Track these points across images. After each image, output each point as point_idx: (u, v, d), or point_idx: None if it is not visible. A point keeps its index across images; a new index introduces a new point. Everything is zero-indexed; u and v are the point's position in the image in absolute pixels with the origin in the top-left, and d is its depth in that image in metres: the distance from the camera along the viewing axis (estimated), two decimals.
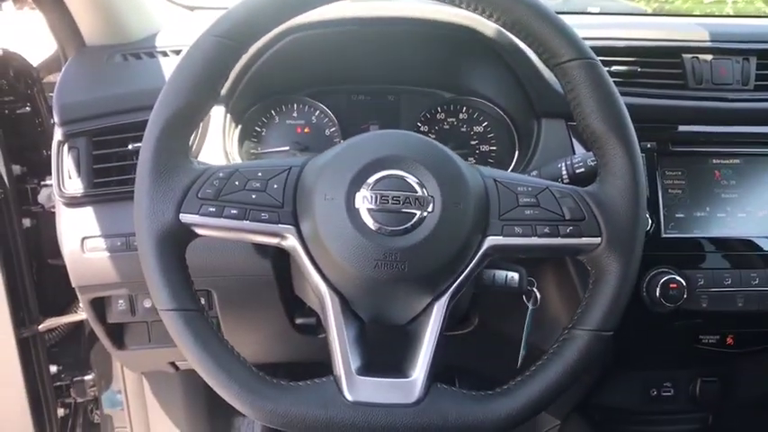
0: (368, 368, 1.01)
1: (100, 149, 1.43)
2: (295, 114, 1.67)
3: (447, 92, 1.68)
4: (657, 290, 1.57)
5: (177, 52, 1.53)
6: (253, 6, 1.02)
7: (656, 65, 1.57)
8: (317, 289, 1.01)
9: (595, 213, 1.08)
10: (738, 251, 1.64)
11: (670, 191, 1.64)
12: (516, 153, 1.65)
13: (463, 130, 1.69)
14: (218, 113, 1.48)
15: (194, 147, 1.47)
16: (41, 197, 1.74)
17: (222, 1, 1.81)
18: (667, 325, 1.65)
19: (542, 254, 1.21)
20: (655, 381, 1.93)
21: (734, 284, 1.62)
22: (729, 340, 1.68)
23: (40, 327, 1.75)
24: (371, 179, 0.99)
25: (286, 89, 1.64)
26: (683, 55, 1.57)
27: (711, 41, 1.61)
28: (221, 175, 1.01)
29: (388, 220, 0.98)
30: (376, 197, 0.98)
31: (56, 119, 1.42)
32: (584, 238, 1.08)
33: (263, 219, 0.99)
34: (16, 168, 1.67)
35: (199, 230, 1.01)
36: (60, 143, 1.43)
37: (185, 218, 0.99)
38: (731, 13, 2.51)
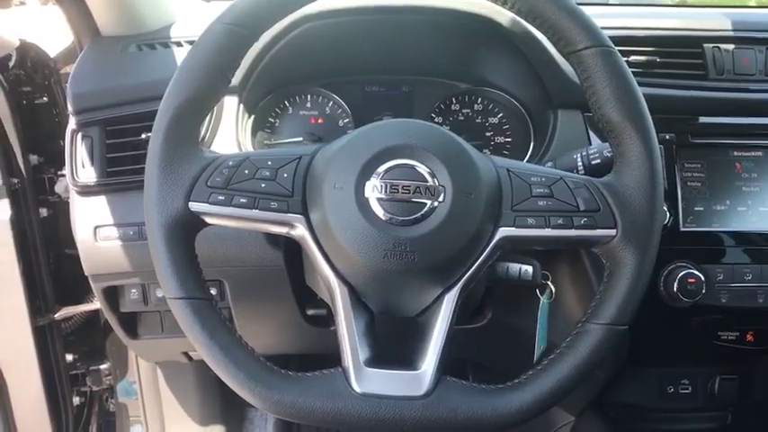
0: (377, 360, 1.00)
1: (113, 139, 1.43)
2: (309, 105, 1.66)
3: (462, 82, 1.65)
4: (675, 284, 1.53)
5: (191, 42, 1.52)
6: None
7: (677, 55, 1.53)
8: (327, 279, 1.01)
9: (611, 204, 1.05)
10: (760, 246, 1.60)
11: (689, 183, 1.60)
12: (531, 144, 1.62)
13: (478, 121, 1.66)
14: (231, 104, 1.48)
15: (207, 137, 1.47)
16: (58, 187, 1.74)
17: None
18: (685, 321, 1.61)
19: (556, 246, 1.18)
20: (672, 378, 1.89)
21: (755, 280, 1.58)
22: (749, 337, 1.64)
23: (56, 315, 1.77)
24: (381, 168, 0.98)
25: (300, 79, 1.63)
26: (704, 45, 1.54)
27: (733, 31, 1.57)
28: (231, 163, 1.00)
29: (397, 210, 0.97)
30: (386, 186, 0.96)
31: (69, 108, 1.43)
32: (598, 230, 1.06)
33: (273, 208, 0.99)
34: (33, 158, 1.69)
35: (208, 219, 1.00)
36: (74, 132, 1.44)
37: (194, 206, 0.98)
38: (753, 4, 2.46)
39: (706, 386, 1.90)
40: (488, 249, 1.02)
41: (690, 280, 1.53)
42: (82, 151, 1.41)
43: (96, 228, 1.43)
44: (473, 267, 1.02)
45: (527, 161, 1.56)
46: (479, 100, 1.67)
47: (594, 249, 1.12)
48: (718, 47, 1.59)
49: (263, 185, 0.99)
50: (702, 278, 1.53)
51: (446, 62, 1.67)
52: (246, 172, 0.99)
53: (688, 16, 1.67)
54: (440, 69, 1.67)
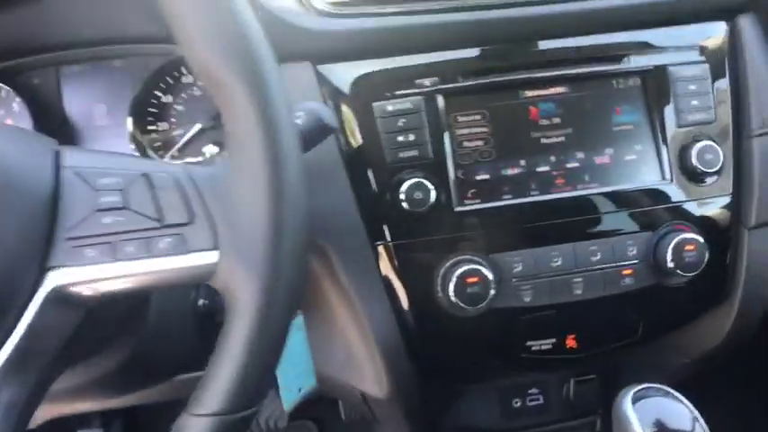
0: None
1: None
2: None
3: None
4: (451, 287, 1.10)
5: None
6: None
7: None
8: None
9: (210, 210, 0.69)
10: (570, 217, 1.17)
11: (465, 144, 1.16)
12: None
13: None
14: None
15: None
16: None
17: None
18: (479, 333, 1.19)
19: (144, 288, 0.74)
20: (516, 390, 1.48)
21: (566, 265, 1.16)
22: (571, 342, 1.22)
23: None
24: None
25: None
26: None
27: None
28: None
29: None
30: None
31: None
32: (192, 255, 0.71)
33: None
34: None
35: None
36: None
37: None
38: None
39: (560, 393, 1.48)
40: (32, 315, 0.69)
41: (470, 279, 1.10)
42: None
43: None
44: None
45: None
46: None
47: (213, 285, 0.70)
48: None
49: None
50: (489, 274, 1.11)
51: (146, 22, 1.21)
52: None
53: None
54: (154, 33, 1.28)
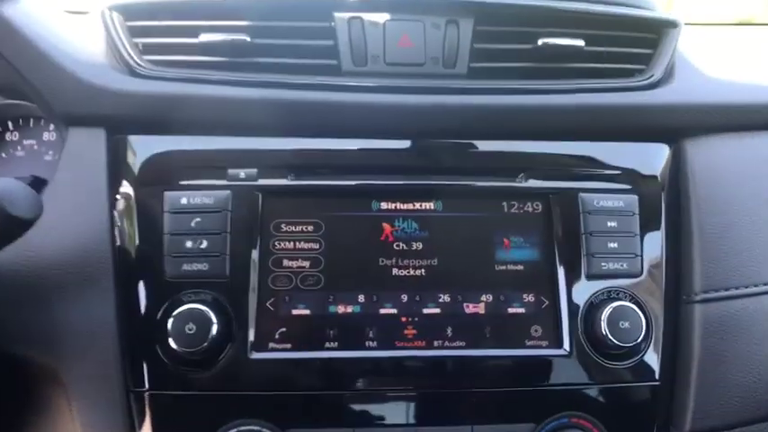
0: None
1: None
2: None
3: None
4: None
5: None
6: None
7: (279, 32, 0.92)
8: None
9: None
10: (417, 387, 0.84)
11: (285, 263, 0.86)
12: None
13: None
14: None
15: None
16: None
17: None
18: None
19: None
20: None
21: None
22: None
23: None
24: None
25: None
26: (336, 14, 0.91)
27: None
28: None
29: None
30: None
31: None
32: None
33: None
34: None
35: None
36: None
37: None
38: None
39: None
40: None
41: None
42: None
43: None
44: None
45: None
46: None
47: None
48: (359, 18, 0.87)
49: None
50: None
51: None
52: None
53: None
54: None
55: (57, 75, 0.88)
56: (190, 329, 0.78)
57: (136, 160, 0.88)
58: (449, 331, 0.85)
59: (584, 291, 0.86)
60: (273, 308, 0.83)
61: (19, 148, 1.12)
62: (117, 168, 0.88)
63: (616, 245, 0.88)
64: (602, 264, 0.87)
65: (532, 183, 0.90)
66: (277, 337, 0.83)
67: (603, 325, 0.83)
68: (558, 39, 0.92)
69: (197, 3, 0.91)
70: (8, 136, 1.11)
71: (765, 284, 0.91)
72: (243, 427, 0.80)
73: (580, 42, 0.93)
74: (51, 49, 0.87)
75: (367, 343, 0.84)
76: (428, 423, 0.83)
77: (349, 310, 0.84)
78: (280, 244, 0.86)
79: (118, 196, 0.86)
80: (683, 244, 0.92)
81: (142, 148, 0.89)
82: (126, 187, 0.87)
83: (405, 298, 0.86)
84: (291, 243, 0.86)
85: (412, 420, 0.83)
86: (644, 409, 0.86)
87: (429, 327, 0.85)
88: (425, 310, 0.85)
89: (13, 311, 0.82)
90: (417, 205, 0.89)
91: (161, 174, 0.87)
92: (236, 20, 0.89)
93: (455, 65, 0.92)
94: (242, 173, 0.86)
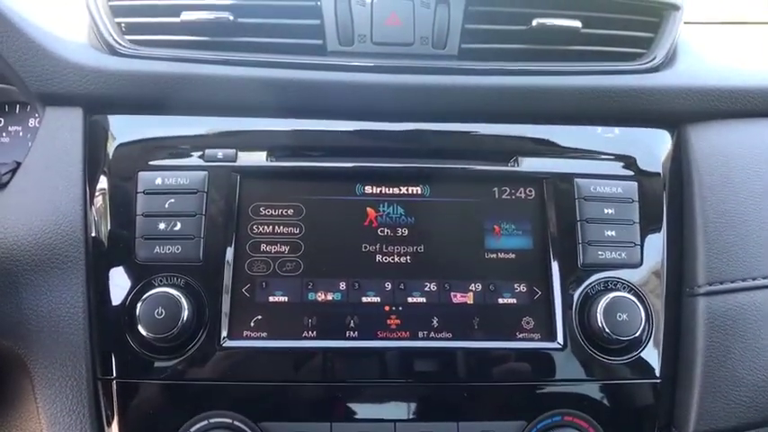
0: None
1: None
2: None
3: None
4: None
5: None
6: None
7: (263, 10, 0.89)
8: None
9: None
10: (399, 379, 0.80)
11: (263, 248, 0.83)
12: None
13: None
14: None
15: None
16: None
17: None
18: None
19: None
20: None
21: None
22: None
23: None
24: None
25: None
26: None
27: None
28: None
29: None
30: None
31: None
32: None
33: None
34: None
35: None
36: None
37: None
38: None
39: None
40: None
41: None
42: None
43: None
44: None
45: None
46: None
47: None
48: None
49: None
50: None
51: None
52: None
53: None
54: None
55: (32, 51, 0.86)
56: (159, 314, 0.74)
57: (113, 140, 0.85)
58: (435, 322, 0.80)
59: (579, 281, 0.81)
60: (249, 294, 0.79)
61: (3, 134, 1.09)
62: (93, 148, 0.85)
63: (614, 233, 0.83)
64: (599, 253, 0.82)
65: (525, 167, 0.86)
66: (252, 324, 0.78)
67: (600, 317, 0.78)
68: (554, 20, 0.89)
69: None
70: None
71: None
72: (214, 419, 0.75)
73: (577, 24, 0.89)
74: (27, 26, 0.85)
75: (348, 333, 0.79)
76: (410, 419, 0.77)
77: (329, 297, 0.80)
78: (258, 228, 0.82)
79: (92, 177, 0.83)
80: (685, 233, 0.87)
81: (119, 128, 0.86)
82: (101, 168, 0.84)
83: (388, 286, 0.81)
84: (270, 227, 0.82)
85: (393, 416, 0.78)
86: (644, 409, 0.80)
87: (414, 317, 0.80)
88: (410, 299, 0.81)
89: None
90: (403, 189, 0.85)
91: (138, 154, 0.84)
92: None
93: (445, 45, 0.88)
94: (219, 153, 0.83)
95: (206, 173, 0.82)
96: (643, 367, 0.80)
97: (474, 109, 0.87)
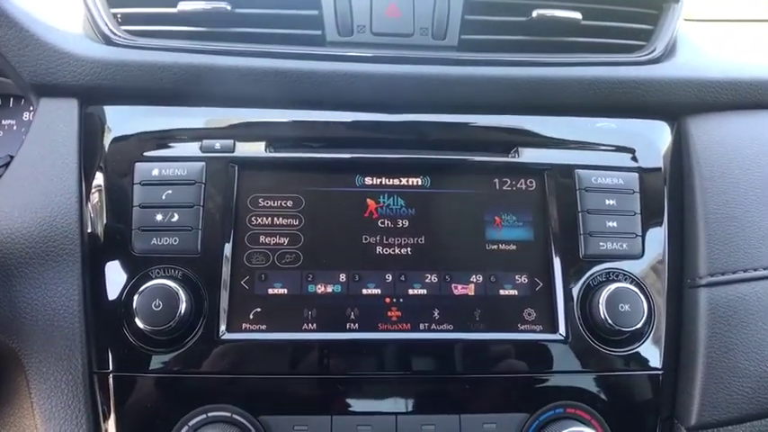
0: None
1: None
2: None
3: None
4: None
5: None
6: None
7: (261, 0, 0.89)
8: None
9: None
10: (399, 371, 0.79)
11: (262, 239, 0.82)
12: None
13: None
14: None
15: None
16: None
17: None
18: None
19: None
20: None
21: None
22: None
23: None
24: None
25: None
26: None
27: None
28: None
29: None
30: None
31: None
32: None
33: None
34: None
35: None
36: None
37: None
38: None
39: None
40: None
41: None
42: None
43: None
44: None
45: None
46: None
47: None
48: None
49: None
50: None
51: None
52: None
53: None
54: None
55: (26, 41, 0.84)
56: (156, 306, 0.73)
57: (108, 131, 0.84)
58: (436, 313, 0.79)
59: (580, 272, 0.81)
60: (248, 286, 0.78)
61: None
62: (88, 140, 0.84)
63: (615, 224, 0.83)
64: (601, 244, 0.82)
65: (526, 158, 0.85)
66: (251, 317, 0.77)
67: (602, 308, 0.77)
68: (554, 11, 0.88)
69: None
70: None
71: None
72: (212, 413, 0.74)
73: (577, 15, 0.89)
74: (21, 16, 0.83)
75: (348, 325, 0.78)
76: (411, 411, 0.76)
77: (329, 289, 0.79)
78: (256, 219, 0.81)
79: (88, 168, 0.82)
80: (686, 224, 0.86)
81: (115, 119, 0.84)
82: (97, 159, 0.82)
83: (389, 278, 0.80)
84: (269, 218, 0.81)
85: (394, 408, 0.76)
86: (646, 401, 0.80)
87: (415, 308, 0.79)
88: (411, 291, 0.80)
89: None
90: (404, 181, 0.84)
91: (134, 145, 0.82)
92: None
93: (445, 36, 0.88)
94: (217, 144, 0.82)
95: (203, 164, 0.80)
96: (645, 359, 0.80)
97: (474, 100, 0.86)
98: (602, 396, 0.79)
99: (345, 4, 0.86)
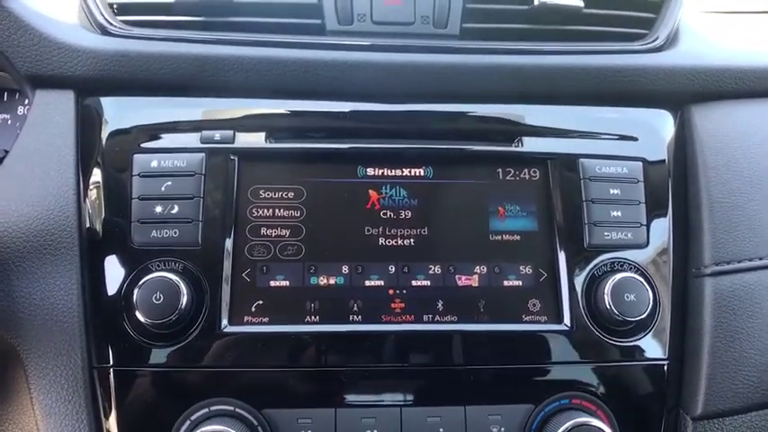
0: None
1: None
2: None
3: None
4: None
5: None
6: None
7: None
8: None
9: None
10: (402, 364, 0.78)
11: (263, 232, 0.81)
12: None
13: None
14: None
15: None
16: None
17: None
18: None
19: None
20: None
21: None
22: None
23: None
24: None
25: None
26: None
27: None
28: None
29: None
30: None
31: None
32: None
33: None
34: None
35: None
36: None
37: None
38: None
39: None
40: None
41: None
42: None
43: None
44: None
45: None
46: None
47: None
48: None
49: None
50: None
51: None
52: None
53: None
54: None
55: (21, 31, 0.82)
56: (157, 299, 0.72)
57: (106, 123, 0.82)
58: (439, 305, 0.78)
59: (585, 262, 0.80)
60: (249, 279, 0.77)
61: None
62: (85, 131, 0.82)
63: (619, 213, 0.82)
64: (605, 233, 0.81)
65: (529, 148, 0.84)
66: (253, 309, 0.76)
67: (607, 298, 0.77)
68: None
69: None
70: None
71: None
72: (215, 407, 0.73)
73: (579, 3, 0.88)
74: (16, 6, 0.82)
75: (351, 317, 0.77)
76: (416, 403, 0.76)
77: (332, 281, 0.78)
78: (257, 211, 0.80)
79: (85, 160, 0.81)
80: (690, 213, 0.86)
81: (112, 111, 0.83)
82: (94, 151, 0.81)
83: (392, 269, 0.79)
84: (270, 210, 0.80)
85: (398, 401, 0.76)
86: (651, 391, 0.79)
87: (418, 300, 0.78)
88: (414, 283, 0.79)
89: None
90: (406, 171, 0.83)
91: (132, 137, 0.81)
92: None
93: (446, 25, 0.87)
94: (217, 135, 0.81)
95: (203, 155, 0.79)
96: (650, 348, 0.79)
97: (476, 89, 0.85)
98: (608, 386, 0.78)
99: None
